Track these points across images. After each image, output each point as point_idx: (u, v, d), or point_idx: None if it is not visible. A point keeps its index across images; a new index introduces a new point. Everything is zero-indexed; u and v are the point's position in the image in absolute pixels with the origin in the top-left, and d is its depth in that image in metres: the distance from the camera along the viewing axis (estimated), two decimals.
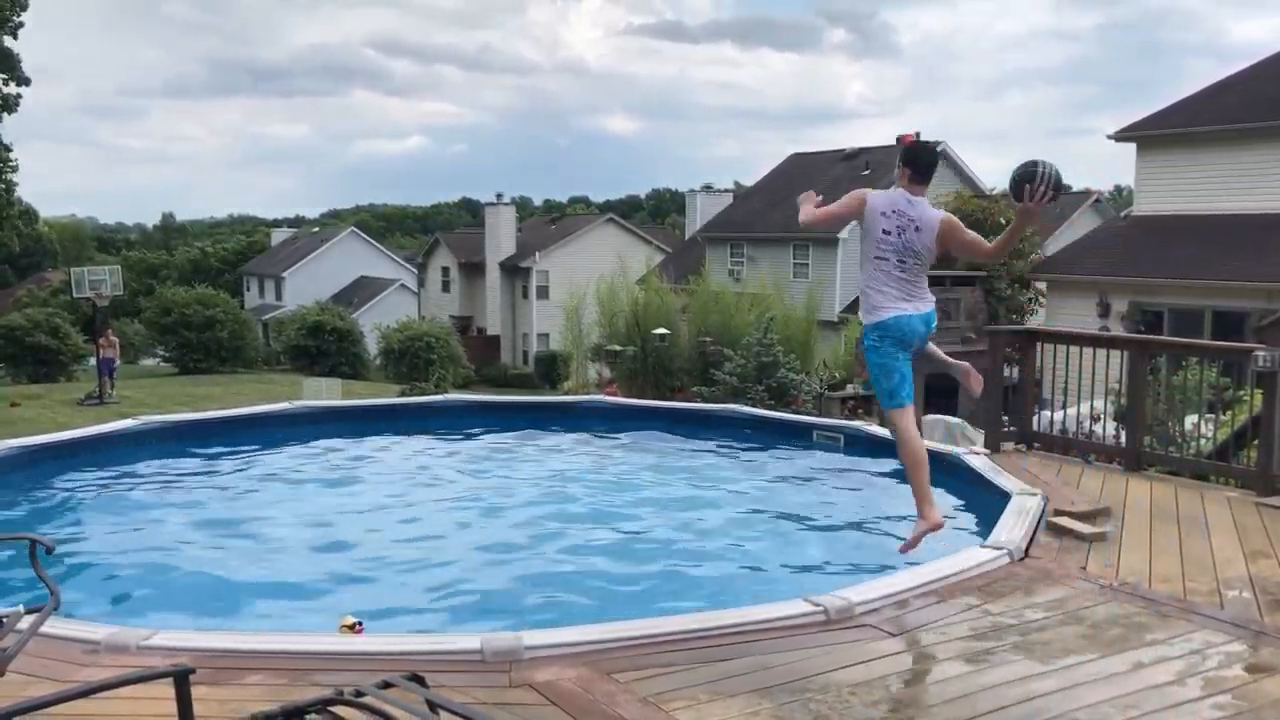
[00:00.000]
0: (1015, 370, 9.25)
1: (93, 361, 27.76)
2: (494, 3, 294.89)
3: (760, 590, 6.20)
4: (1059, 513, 6.53)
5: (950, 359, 5.89)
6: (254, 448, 9.81)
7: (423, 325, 36.67)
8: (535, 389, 38.45)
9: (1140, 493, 7.35)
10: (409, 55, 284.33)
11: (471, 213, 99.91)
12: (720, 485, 8.88)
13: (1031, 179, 4.96)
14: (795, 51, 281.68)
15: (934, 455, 8.71)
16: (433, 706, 2.68)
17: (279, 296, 61.24)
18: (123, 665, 4.07)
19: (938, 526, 5.44)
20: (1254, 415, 7.88)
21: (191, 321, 37.59)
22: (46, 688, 3.65)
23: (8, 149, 31.92)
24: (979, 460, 8.11)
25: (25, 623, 3.17)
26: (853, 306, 32.13)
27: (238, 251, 74.86)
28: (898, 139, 5.85)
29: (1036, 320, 24.47)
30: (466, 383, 34.87)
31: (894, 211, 5.26)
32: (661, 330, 23.34)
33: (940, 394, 19.82)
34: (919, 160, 5.41)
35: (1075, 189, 47.92)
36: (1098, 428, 9.45)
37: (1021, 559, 5.74)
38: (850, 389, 19.97)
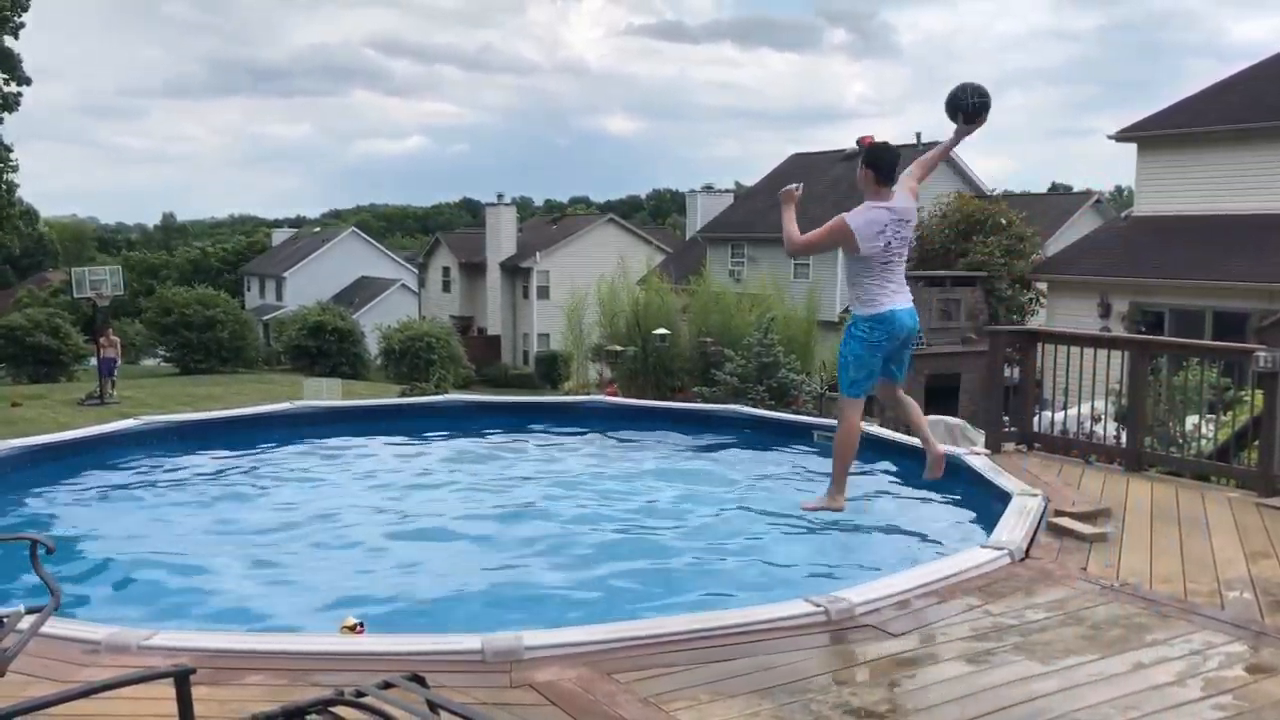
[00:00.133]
0: (1016, 371, 9.25)
1: (93, 361, 27.77)
2: (494, 3, 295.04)
3: (761, 591, 6.20)
4: (1060, 513, 6.52)
5: (930, 437, 6.08)
6: (255, 448, 9.81)
7: (423, 325, 36.69)
8: (536, 389, 38.46)
9: (1141, 493, 7.35)
10: (409, 55, 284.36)
11: (472, 213, 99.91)
12: (721, 486, 8.87)
13: (961, 101, 5.67)
14: (795, 52, 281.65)
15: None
16: (433, 707, 2.68)
17: (280, 297, 61.28)
18: (123, 665, 4.07)
19: (839, 510, 5.88)
20: (1255, 416, 7.88)
21: (192, 322, 37.62)
22: (47, 688, 3.65)
23: (8, 149, 31.94)
24: (980, 461, 8.10)
25: (26, 623, 3.17)
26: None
27: (238, 251, 74.88)
28: (857, 142, 6.02)
29: (1037, 320, 24.47)
30: (467, 383, 34.89)
31: (884, 227, 5.43)
32: (662, 330, 23.36)
33: (941, 394, 19.85)
34: (881, 161, 5.53)
35: (1076, 189, 47.93)
36: (1098, 428, 9.45)
37: (1022, 559, 5.74)
38: None
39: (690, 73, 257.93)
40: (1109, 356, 8.69)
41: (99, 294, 26.35)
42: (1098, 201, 38.09)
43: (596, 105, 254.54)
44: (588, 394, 19.77)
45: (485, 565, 6.62)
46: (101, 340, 25.78)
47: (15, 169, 32.71)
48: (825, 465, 9.31)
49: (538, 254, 48.57)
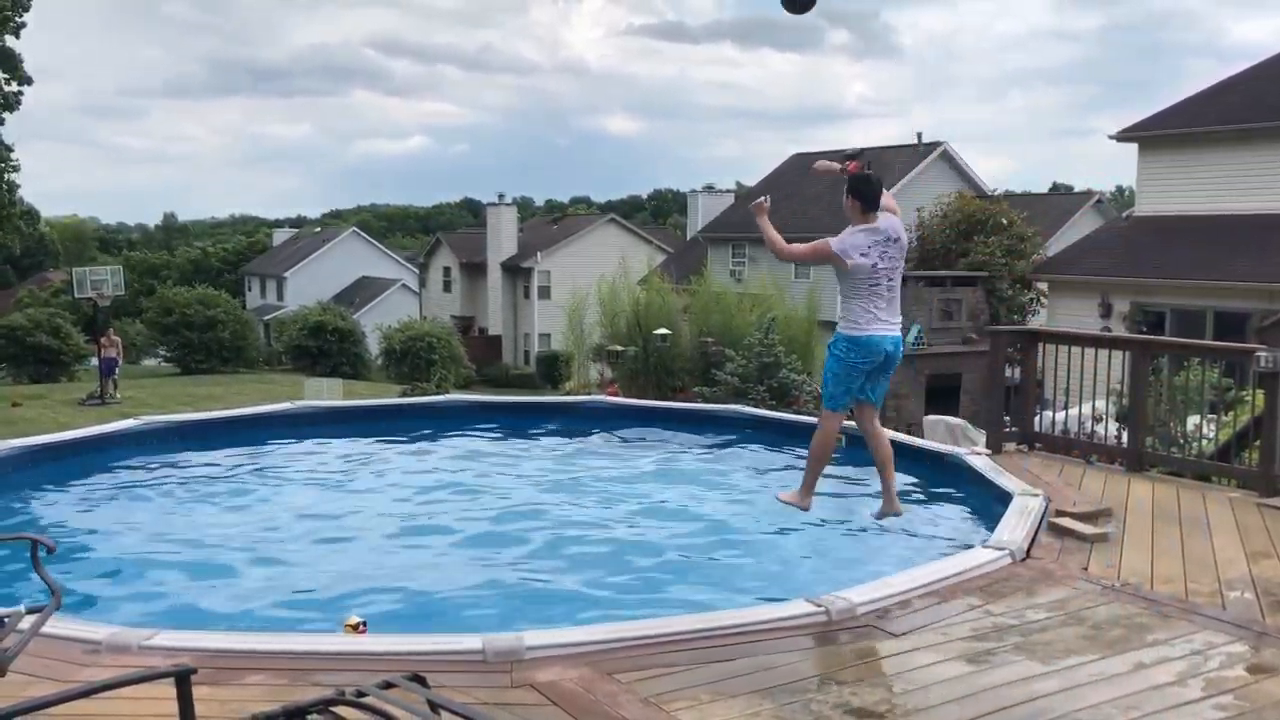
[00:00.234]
0: (1017, 371, 9.24)
1: (94, 361, 27.79)
2: (494, 3, 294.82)
3: (762, 591, 6.20)
4: (1060, 513, 6.52)
5: (892, 484, 6.27)
6: (255, 448, 9.81)
7: (424, 325, 36.68)
8: (536, 389, 38.46)
9: (1142, 493, 7.35)
10: (409, 55, 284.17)
11: (473, 213, 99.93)
12: (722, 485, 8.87)
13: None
14: (796, 52, 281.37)
15: (936, 456, 8.78)
16: (434, 707, 2.67)
17: (280, 297, 61.31)
18: (124, 665, 4.07)
19: (805, 510, 6.24)
20: (1256, 416, 7.87)
21: (193, 322, 37.64)
22: (48, 688, 3.65)
23: (9, 149, 31.93)
24: (981, 460, 8.10)
25: (27, 623, 3.17)
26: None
27: (238, 251, 74.94)
28: (843, 165, 6.36)
29: (1038, 320, 24.47)
30: (468, 383, 34.89)
31: (869, 248, 5.76)
32: (663, 330, 23.33)
33: (941, 394, 19.85)
34: (865, 191, 5.89)
35: (1077, 189, 47.92)
36: (1099, 428, 9.45)
37: (1023, 559, 5.74)
38: None
39: (691, 73, 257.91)
40: (1110, 356, 8.68)
41: (100, 294, 26.37)
42: (1099, 201, 38.10)
43: (597, 105, 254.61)
44: (588, 394, 19.76)
45: (486, 565, 6.61)
46: (103, 340, 25.79)
47: (16, 169, 32.71)
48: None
49: (538, 254, 48.58)
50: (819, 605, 4.82)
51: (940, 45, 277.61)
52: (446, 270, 55.70)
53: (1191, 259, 20.73)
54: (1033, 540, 6.02)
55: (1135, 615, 4.92)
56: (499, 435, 10.70)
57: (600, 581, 6.34)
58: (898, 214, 6.06)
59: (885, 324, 5.89)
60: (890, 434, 9.43)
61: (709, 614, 4.87)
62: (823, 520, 7.70)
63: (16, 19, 30.68)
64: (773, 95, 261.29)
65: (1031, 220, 27.89)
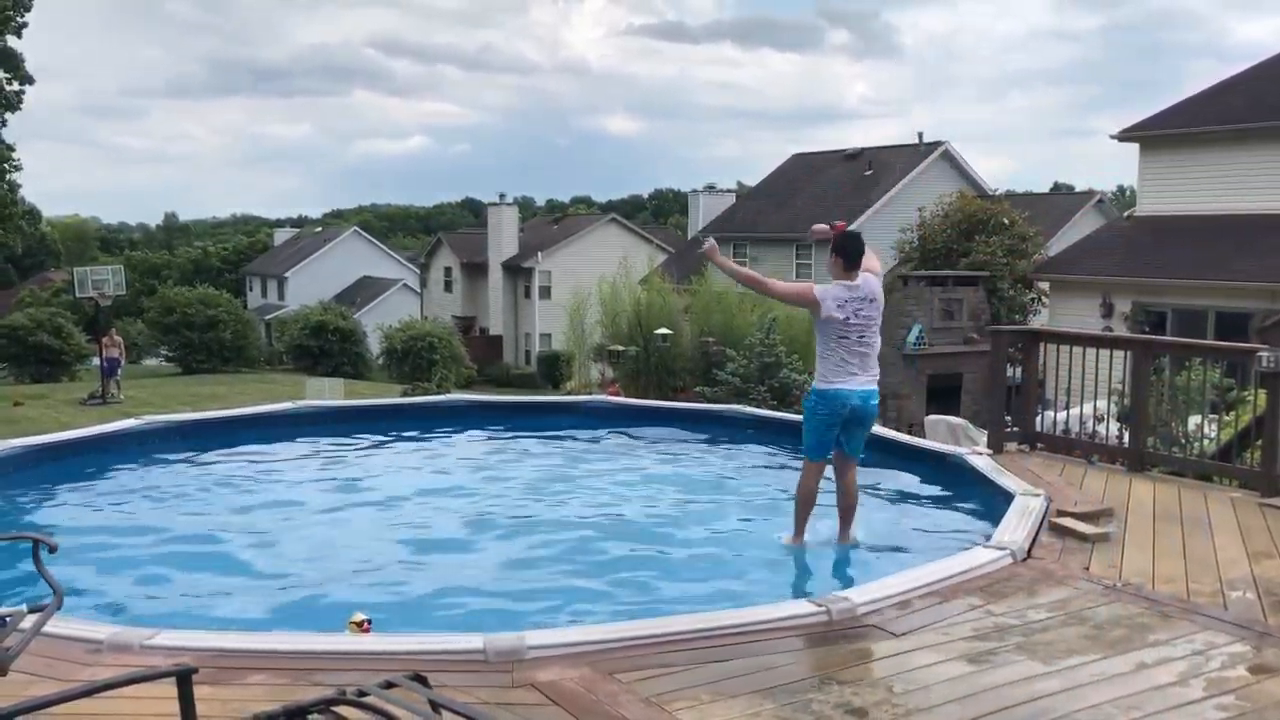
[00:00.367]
0: (1018, 370, 9.24)
1: (95, 361, 27.79)
2: (495, 3, 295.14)
3: (763, 590, 6.20)
4: (1062, 513, 6.52)
5: (850, 526, 6.74)
6: (256, 448, 9.81)
7: (425, 325, 36.67)
8: (537, 389, 38.47)
9: (1143, 493, 7.35)
10: (410, 55, 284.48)
11: (474, 213, 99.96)
12: (722, 485, 8.87)
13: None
14: (797, 52, 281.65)
15: (937, 456, 8.78)
16: (435, 706, 2.67)
17: (281, 296, 61.35)
18: (125, 665, 4.07)
19: (803, 546, 6.62)
20: (1257, 416, 7.87)
21: (194, 321, 37.66)
22: (49, 687, 3.65)
23: (10, 149, 31.95)
24: (982, 460, 8.10)
25: (28, 622, 3.17)
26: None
27: (239, 251, 74.96)
28: (832, 225, 6.80)
29: (1039, 320, 24.45)
30: (469, 383, 34.89)
31: (847, 301, 6.20)
32: (664, 330, 23.34)
33: (943, 394, 19.84)
34: (847, 249, 6.33)
35: (1078, 189, 47.88)
36: (1101, 428, 9.44)
37: (1024, 559, 5.74)
38: None
39: (691, 73, 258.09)
40: (1111, 356, 8.68)
41: (101, 293, 26.38)
42: (1100, 201, 38.08)
43: (598, 105, 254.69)
44: (589, 394, 19.77)
45: (487, 564, 6.61)
46: (105, 340, 25.80)
47: (18, 169, 32.72)
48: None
49: (539, 254, 48.58)
50: (820, 605, 4.81)
51: (941, 45, 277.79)
52: (447, 270, 55.72)
53: (1193, 259, 20.72)
54: (1034, 540, 6.02)
55: (1137, 615, 4.92)
56: (500, 435, 10.70)
57: (601, 581, 6.34)
58: (879, 271, 6.47)
59: (855, 379, 6.26)
60: (891, 434, 9.46)
61: (710, 614, 4.86)
62: (824, 520, 7.70)
63: (18, 19, 30.69)
64: (773, 95, 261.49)
65: (1033, 220, 27.87)
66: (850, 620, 4.76)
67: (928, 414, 15.80)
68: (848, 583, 5.95)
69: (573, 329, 28.50)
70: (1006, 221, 26.39)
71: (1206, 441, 9.36)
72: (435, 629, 5.35)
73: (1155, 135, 22.83)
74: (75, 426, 11.03)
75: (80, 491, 8.22)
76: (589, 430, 10.86)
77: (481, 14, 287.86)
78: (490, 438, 10.63)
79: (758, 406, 14.54)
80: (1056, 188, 67.81)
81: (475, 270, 53.15)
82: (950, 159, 35.86)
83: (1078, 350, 8.85)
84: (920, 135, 37.36)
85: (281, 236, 72.93)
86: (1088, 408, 9.45)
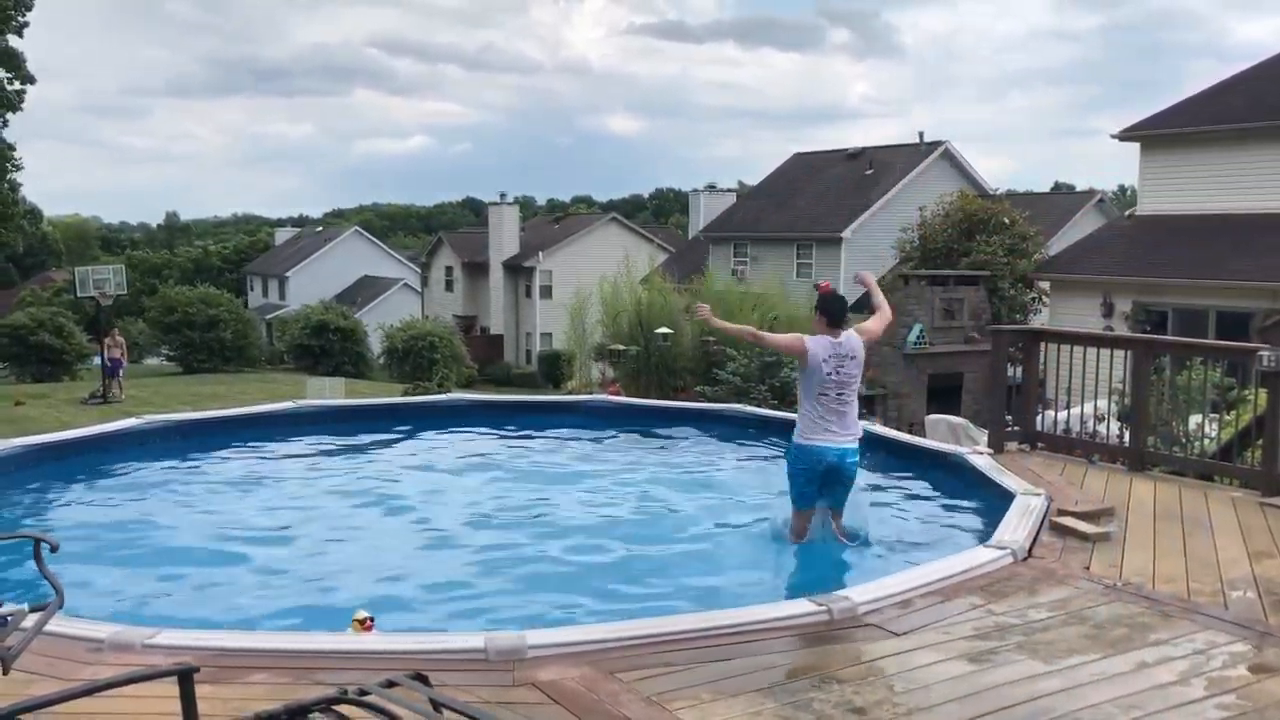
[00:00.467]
0: (1019, 370, 9.24)
1: (97, 360, 27.80)
2: (496, 2, 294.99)
3: (764, 590, 6.21)
4: (1062, 512, 6.52)
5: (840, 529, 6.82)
6: (258, 447, 9.82)
7: (426, 325, 36.66)
8: (538, 388, 38.47)
9: (1144, 493, 7.35)
10: (411, 55, 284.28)
11: (475, 212, 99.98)
12: (723, 485, 8.87)
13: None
14: (798, 51, 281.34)
15: (938, 455, 8.78)
16: (437, 705, 2.67)
17: (282, 296, 61.36)
18: (127, 664, 4.07)
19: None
20: (1258, 415, 7.87)
21: (195, 321, 37.66)
22: (51, 686, 3.65)
23: (11, 148, 31.95)
24: (982, 460, 8.10)
25: (30, 621, 3.17)
26: (856, 306, 32.11)
27: (240, 250, 74.98)
28: (815, 287, 7.08)
29: (1040, 320, 24.44)
30: (469, 382, 34.89)
31: (830, 356, 6.42)
32: (664, 330, 23.33)
33: (943, 393, 19.84)
34: (831, 309, 6.62)
35: (1079, 188, 47.86)
36: (1101, 427, 9.44)
37: (1025, 559, 5.74)
38: None
39: (692, 72, 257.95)
40: (1112, 356, 8.68)
41: (102, 293, 26.36)
42: (1100, 201, 38.03)
43: (599, 105, 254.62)
44: (590, 393, 19.77)
45: (488, 564, 6.61)
46: (107, 340, 25.82)
47: (19, 168, 32.73)
48: None
49: (540, 253, 48.57)
50: (821, 604, 4.82)
51: (941, 45, 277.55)
52: (448, 269, 55.72)
53: (1194, 258, 20.71)
54: (1034, 540, 6.02)
55: (1137, 615, 4.92)
56: (500, 434, 10.71)
57: (602, 580, 6.35)
58: (878, 333, 6.83)
59: (833, 435, 6.42)
60: (892, 433, 9.46)
61: (711, 613, 4.87)
62: (824, 521, 7.70)
63: (19, 18, 30.68)
64: (774, 95, 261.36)
65: (1033, 219, 27.86)
66: (851, 619, 4.76)
67: (928, 413, 15.80)
68: (848, 582, 5.95)
69: (573, 328, 28.49)
70: (1007, 221, 26.38)
71: (1207, 441, 9.36)
72: (436, 628, 5.36)
73: (1156, 135, 22.82)
74: (76, 426, 11.03)
75: (81, 491, 8.23)
76: (590, 430, 10.86)
77: (482, 13, 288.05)
78: (491, 437, 10.63)
79: (758, 406, 14.53)
80: (1057, 187, 67.81)
81: (476, 270, 53.14)
82: (951, 158, 35.83)
83: (1078, 350, 8.85)
84: (921, 135, 37.34)
85: (282, 236, 72.94)
86: (1088, 407, 9.45)
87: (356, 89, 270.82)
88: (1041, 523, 6.34)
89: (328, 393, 21.75)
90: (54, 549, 3.48)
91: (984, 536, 6.25)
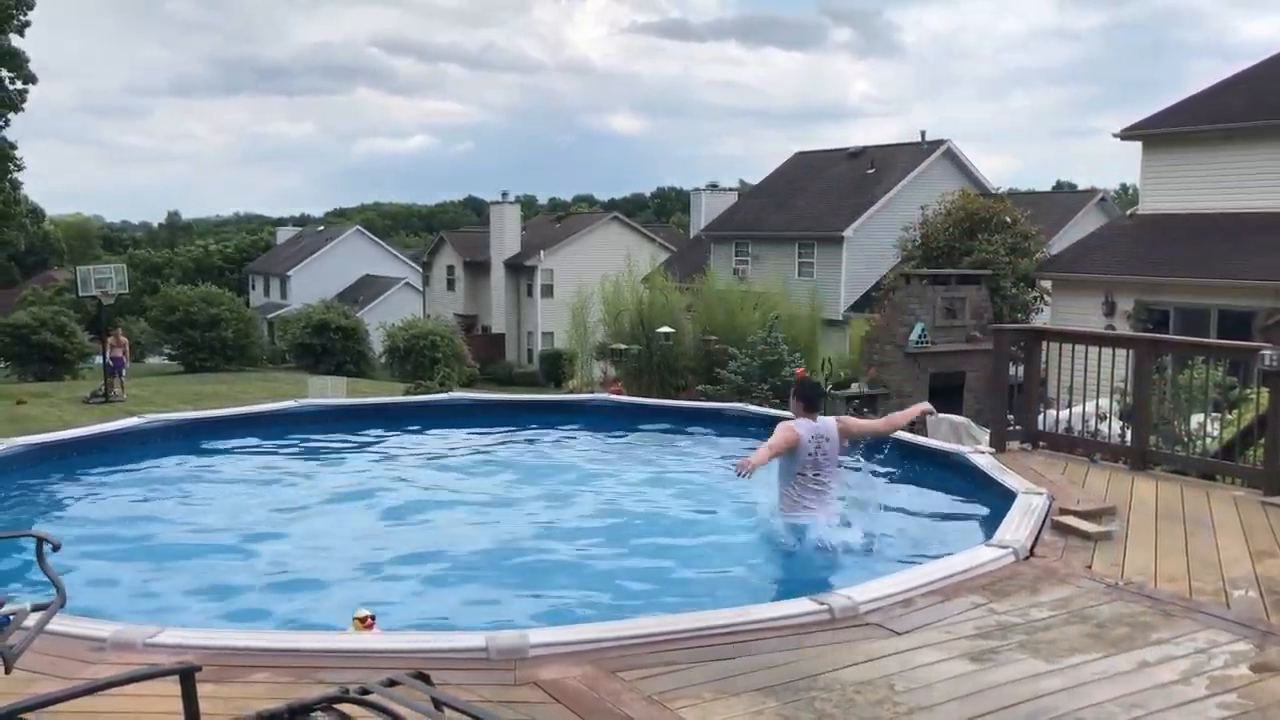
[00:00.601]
0: (1020, 369, 9.24)
1: (99, 360, 27.82)
2: (497, 1, 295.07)
3: (765, 588, 6.21)
4: (1064, 511, 6.52)
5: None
6: (259, 446, 9.82)
7: (427, 324, 36.70)
8: (540, 388, 38.47)
9: (1146, 492, 7.34)
10: (412, 54, 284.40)
11: (476, 211, 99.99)
12: (725, 484, 8.86)
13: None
14: (799, 50, 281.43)
15: (939, 454, 8.77)
16: (438, 704, 2.67)
17: (284, 295, 61.38)
18: (128, 662, 4.07)
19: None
20: (1260, 414, 7.86)
21: (196, 320, 37.70)
22: (52, 685, 3.65)
23: (13, 147, 31.97)
24: (984, 459, 8.10)
25: (31, 620, 3.17)
26: (857, 305, 32.12)
27: (242, 250, 75.01)
28: (794, 374, 7.00)
29: (1041, 319, 24.41)
30: (471, 381, 34.90)
31: (812, 437, 6.81)
32: (666, 329, 23.33)
33: (945, 393, 19.83)
34: (807, 394, 7.11)
35: (1080, 187, 47.81)
36: (1103, 426, 9.44)
37: (1027, 558, 5.73)
38: (855, 388, 19.97)
39: (694, 71, 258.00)
40: (1114, 355, 8.67)
41: (104, 292, 26.39)
42: (1102, 200, 37.98)
43: (600, 104, 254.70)
44: (592, 392, 19.77)
45: (490, 563, 6.62)
46: (109, 339, 25.83)
47: (21, 168, 32.75)
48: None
49: (542, 252, 48.57)
50: (822, 603, 4.82)
51: (943, 44, 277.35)
52: (450, 269, 55.73)
53: (1195, 257, 20.69)
54: (1036, 538, 6.02)
55: (1139, 614, 4.92)
56: (502, 434, 10.70)
57: (603, 579, 6.35)
58: (858, 429, 7.26)
59: (811, 512, 6.72)
60: (894, 432, 9.46)
61: (712, 612, 4.87)
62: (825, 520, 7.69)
63: (20, 17, 30.70)
64: (776, 93, 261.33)
65: (1035, 218, 27.81)
66: (852, 618, 4.76)
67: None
68: (850, 581, 5.94)
69: (575, 327, 28.50)
70: (1009, 220, 26.32)
71: (1209, 440, 9.35)
72: (438, 627, 5.37)
73: (1158, 134, 22.80)
74: (78, 425, 11.04)
75: (83, 490, 8.23)
76: (591, 429, 10.86)
77: (484, 13, 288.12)
78: (492, 436, 10.63)
79: (760, 405, 14.53)
80: (1059, 186, 67.80)
81: (477, 269, 53.14)
82: (952, 157, 35.80)
83: (1080, 349, 8.84)
84: (923, 134, 37.31)
85: (284, 235, 72.96)
86: (1090, 406, 9.44)
87: (358, 88, 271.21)
88: (1043, 522, 6.33)
89: (329, 392, 21.79)
90: (56, 548, 3.48)
91: (986, 535, 6.25)
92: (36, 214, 38.85)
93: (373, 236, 68.34)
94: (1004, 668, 4.27)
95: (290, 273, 62.26)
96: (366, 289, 59.10)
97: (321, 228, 75.67)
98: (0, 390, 27.53)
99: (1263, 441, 7.53)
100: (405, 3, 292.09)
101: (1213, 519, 6.64)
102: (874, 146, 38.43)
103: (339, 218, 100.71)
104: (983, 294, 21.79)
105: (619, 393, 18.93)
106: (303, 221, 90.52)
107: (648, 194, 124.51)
